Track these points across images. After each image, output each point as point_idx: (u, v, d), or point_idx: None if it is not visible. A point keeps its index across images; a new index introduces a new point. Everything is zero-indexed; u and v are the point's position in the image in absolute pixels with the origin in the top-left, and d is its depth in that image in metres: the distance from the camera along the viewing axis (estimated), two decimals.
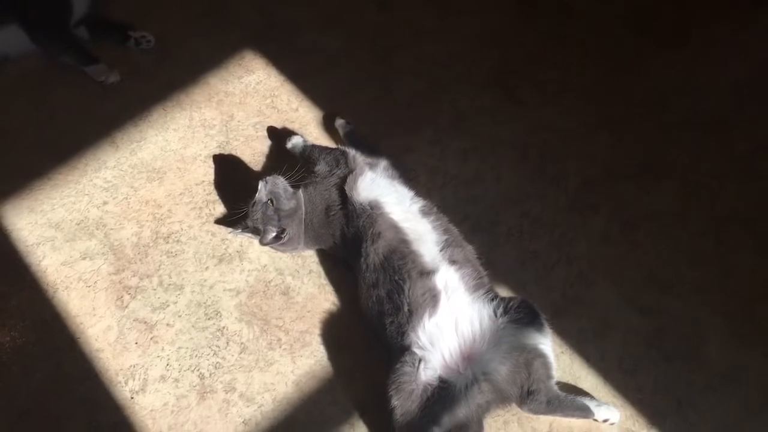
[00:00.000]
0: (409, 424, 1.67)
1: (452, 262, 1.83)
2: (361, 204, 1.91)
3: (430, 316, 1.76)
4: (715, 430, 1.77)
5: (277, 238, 1.97)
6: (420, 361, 1.72)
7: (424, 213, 1.94)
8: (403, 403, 1.68)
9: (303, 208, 1.99)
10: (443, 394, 1.70)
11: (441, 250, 1.85)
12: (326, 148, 2.11)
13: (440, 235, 1.88)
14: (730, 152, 2.29)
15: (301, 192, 2.01)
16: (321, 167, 2.03)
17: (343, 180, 1.97)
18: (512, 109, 2.41)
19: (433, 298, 1.77)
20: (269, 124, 2.34)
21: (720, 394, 1.81)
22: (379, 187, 1.96)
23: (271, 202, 1.94)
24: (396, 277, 1.80)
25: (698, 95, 2.44)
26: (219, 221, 2.13)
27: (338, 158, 2.03)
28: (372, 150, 2.12)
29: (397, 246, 1.84)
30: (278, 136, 2.30)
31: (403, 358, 1.73)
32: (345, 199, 1.94)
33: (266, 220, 1.94)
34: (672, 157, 2.28)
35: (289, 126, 2.34)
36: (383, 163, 2.06)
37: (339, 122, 2.27)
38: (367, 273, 1.85)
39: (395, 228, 1.87)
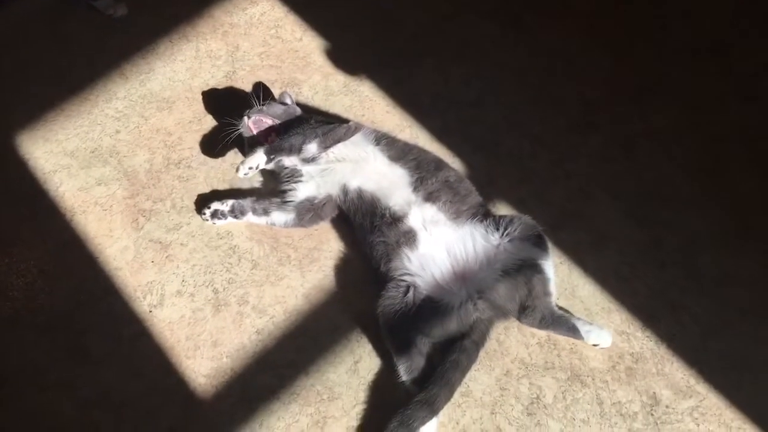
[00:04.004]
0: (397, 336, 1.78)
1: (428, 196, 1.87)
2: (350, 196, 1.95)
3: (412, 251, 1.83)
4: (707, 331, 1.84)
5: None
6: (409, 287, 1.81)
7: (393, 158, 1.95)
8: (390, 320, 1.78)
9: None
10: (435, 311, 1.78)
11: (414, 190, 1.89)
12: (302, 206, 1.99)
13: (412, 175, 1.91)
14: (730, 74, 2.32)
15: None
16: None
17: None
18: (515, 35, 2.43)
19: (410, 239, 1.83)
20: (274, 54, 2.39)
21: (712, 299, 1.89)
22: (333, 173, 1.96)
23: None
24: (374, 237, 1.87)
25: (699, 19, 2.45)
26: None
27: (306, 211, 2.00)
28: (293, 143, 1.97)
29: (369, 209, 1.90)
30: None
31: (392, 284, 1.83)
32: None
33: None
34: (672, 79, 2.31)
35: (293, 55, 2.38)
36: (312, 145, 1.96)
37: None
38: (356, 231, 1.96)
39: (361, 195, 1.91)
